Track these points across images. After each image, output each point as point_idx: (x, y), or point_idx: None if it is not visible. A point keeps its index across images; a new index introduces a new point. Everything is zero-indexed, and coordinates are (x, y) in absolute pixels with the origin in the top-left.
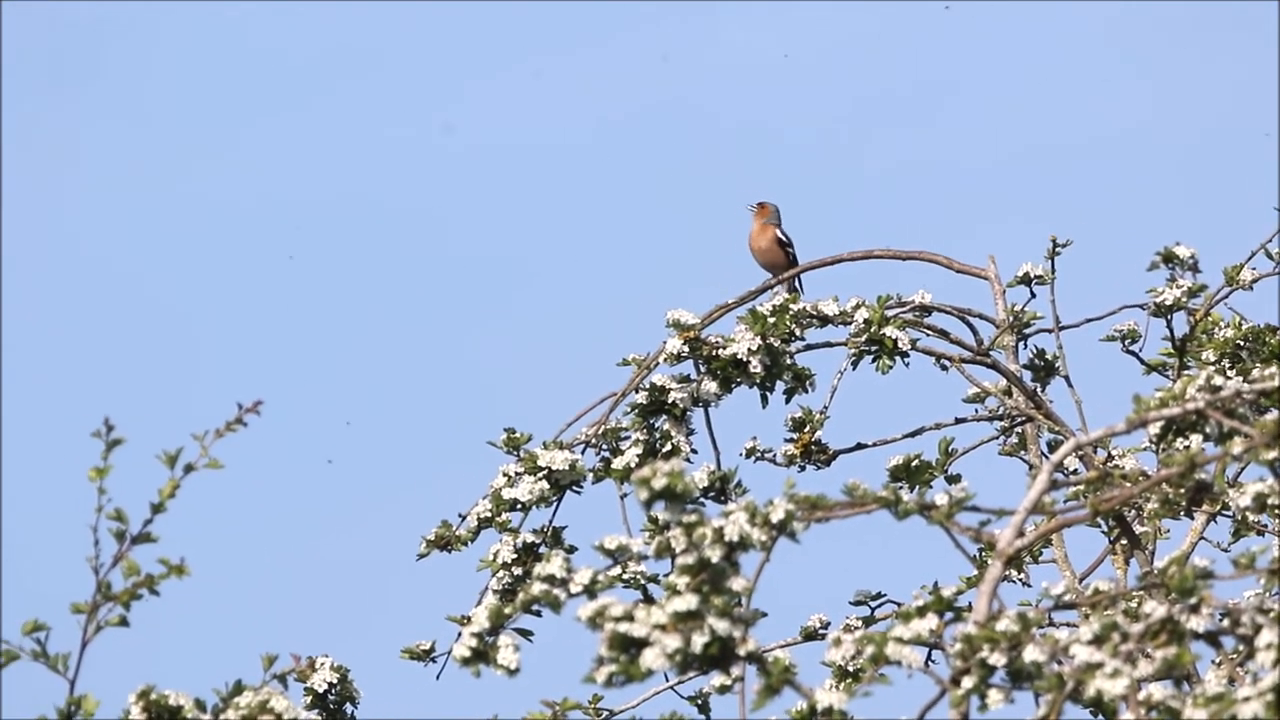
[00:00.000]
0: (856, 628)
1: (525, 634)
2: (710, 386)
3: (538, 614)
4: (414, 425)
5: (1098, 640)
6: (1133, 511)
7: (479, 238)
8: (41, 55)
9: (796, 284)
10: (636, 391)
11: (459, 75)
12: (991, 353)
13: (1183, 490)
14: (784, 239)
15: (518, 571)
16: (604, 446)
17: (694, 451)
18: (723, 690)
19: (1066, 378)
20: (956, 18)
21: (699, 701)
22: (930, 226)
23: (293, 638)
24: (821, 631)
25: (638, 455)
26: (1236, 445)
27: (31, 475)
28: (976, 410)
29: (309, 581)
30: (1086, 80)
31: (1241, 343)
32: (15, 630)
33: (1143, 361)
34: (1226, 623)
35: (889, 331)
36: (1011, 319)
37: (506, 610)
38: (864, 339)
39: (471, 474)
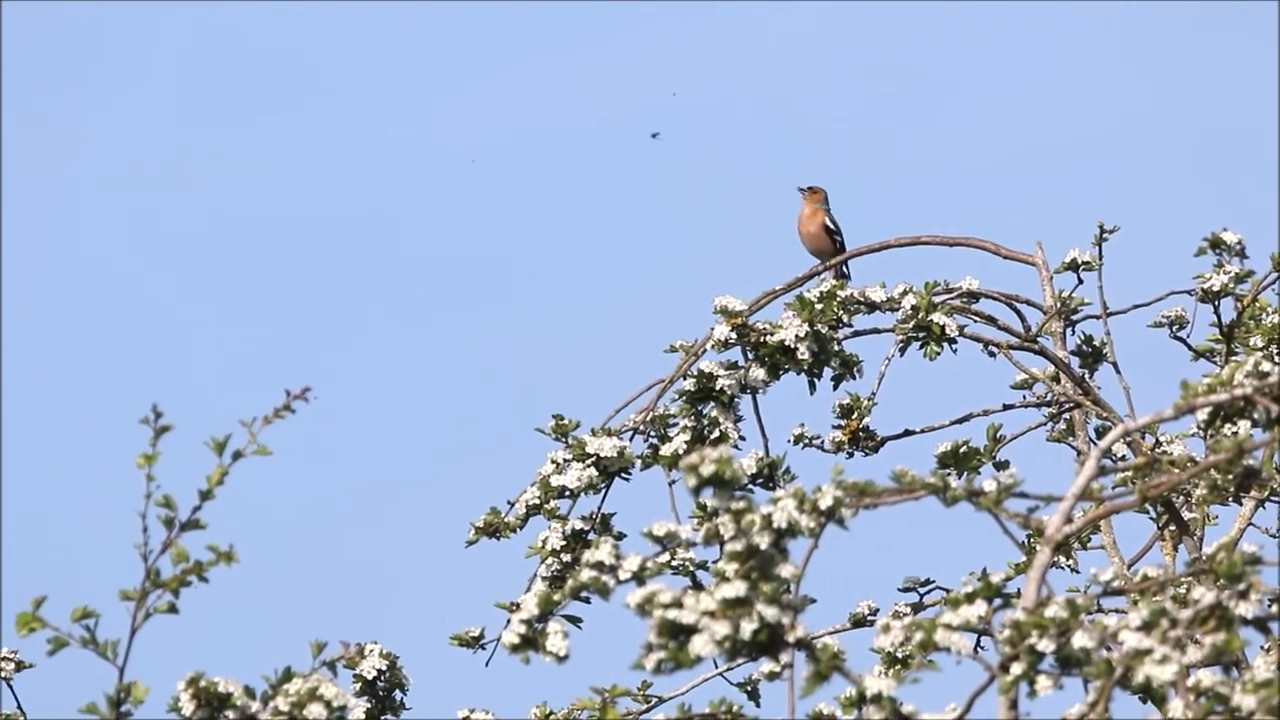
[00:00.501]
0: (905, 614)
1: (574, 620)
2: (758, 373)
3: (586, 600)
4: (449, 416)
5: (1146, 626)
6: (1181, 498)
7: (483, 237)
8: (41, 55)
9: (844, 270)
10: (684, 378)
11: (459, 74)
12: (1039, 339)
13: (1231, 476)
14: (832, 226)
15: (566, 558)
16: (652, 433)
17: (742, 438)
18: (772, 677)
19: (1114, 364)
20: (958, 17)
21: (748, 688)
22: (932, 227)
23: (341, 624)
24: (870, 618)
25: (686, 442)
26: None
27: (34, 467)
28: (1024, 397)
29: (357, 569)
30: (1087, 79)
31: None
32: (65, 617)
33: (1190, 347)
34: (1275, 609)
35: (936, 318)
36: (1059, 305)
37: (555, 597)
38: (911, 325)
39: (512, 461)
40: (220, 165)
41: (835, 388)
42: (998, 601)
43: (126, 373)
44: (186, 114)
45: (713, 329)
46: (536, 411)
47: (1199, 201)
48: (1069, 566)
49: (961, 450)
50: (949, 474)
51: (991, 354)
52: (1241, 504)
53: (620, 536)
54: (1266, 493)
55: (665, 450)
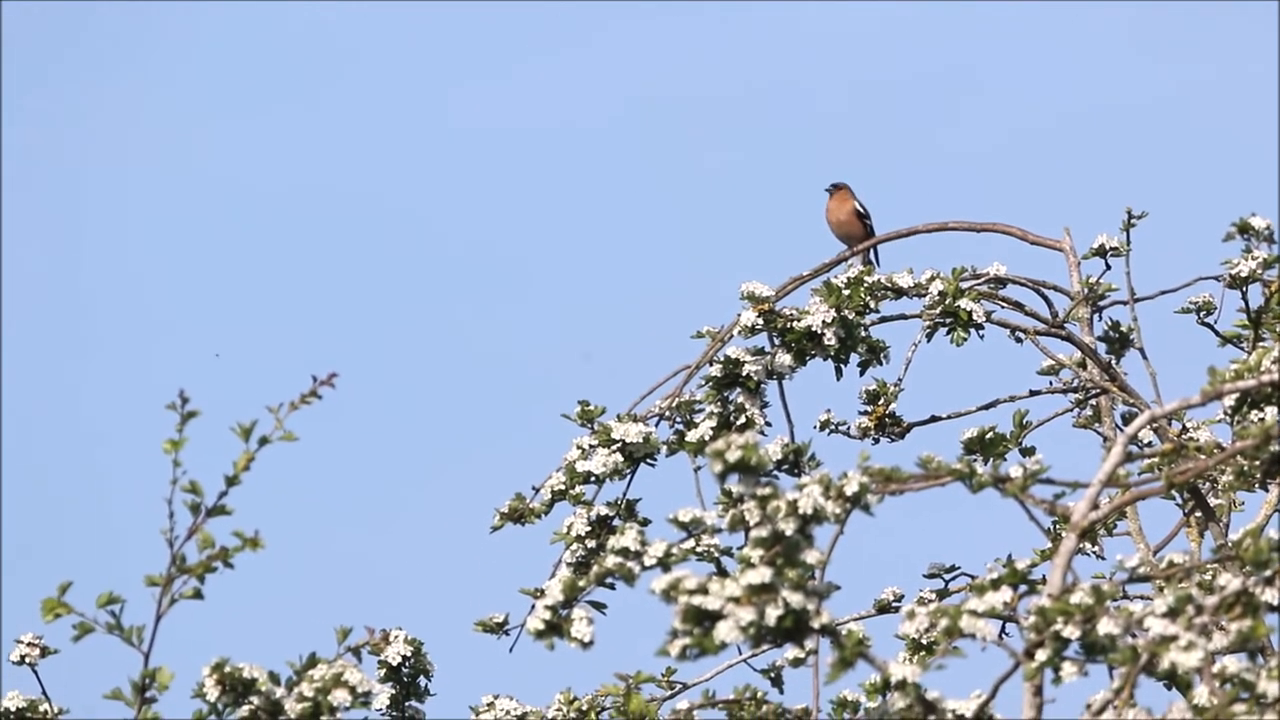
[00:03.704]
0: (930, 600)
1: (599, 606)
2: (784, 359)
3: (611, 587)
4: (473, 403)
5: (1172, 613)
6: (1207, 484)
7: (508, 224)
8: (41, 55)
9: (872, 256)
10: (710, 364)
11: (472, 67)
12: (1066, 325)
13: (1258, 462)
14: (862, 210)
15: (591, 544)
16: (678, 419)
17: (768, 424)
18: (796, 663)
19: (1141, 350)
20: (980, 8)
21: (772, 674)
22: (961, 210)
23: (366, 611)
24: (895, 604)
25: (712, 428)
26: None
27: (59, 451)
28: (1051, 383)
29: (381, 555)
30: (1120, 60)
31: None
32: (90, 603)
33: (1218, 333)
34: None
35: (963, 304)
36: (1086, 291)
37: (580, 583)
38: (938, 311)
39: (537, 447)
40: (228, 154)
41: (862, 373)
42: (1023, 588)
43: (134, 369)
44: (195, 103)
45: (739, 314)
46: (561, 398)
47: (1229, 185)
48: (1095, 553)
49: (988, 436)
50: (975, 460)
51: (1018, 340)
52: (1268, 490)
53: (645, 522)
54: None
55: (691, 436)
